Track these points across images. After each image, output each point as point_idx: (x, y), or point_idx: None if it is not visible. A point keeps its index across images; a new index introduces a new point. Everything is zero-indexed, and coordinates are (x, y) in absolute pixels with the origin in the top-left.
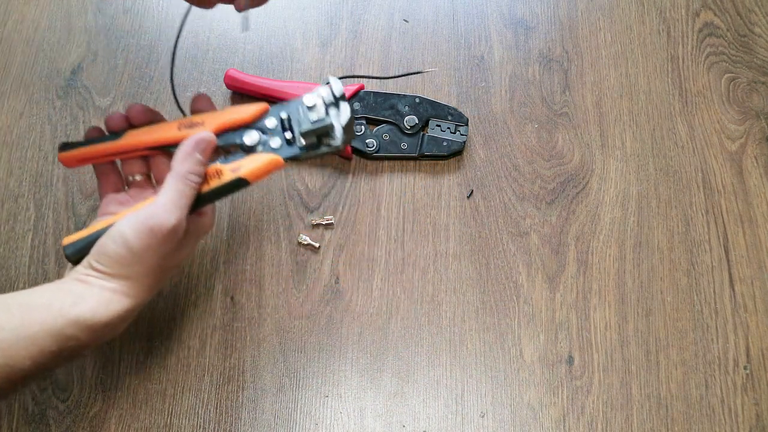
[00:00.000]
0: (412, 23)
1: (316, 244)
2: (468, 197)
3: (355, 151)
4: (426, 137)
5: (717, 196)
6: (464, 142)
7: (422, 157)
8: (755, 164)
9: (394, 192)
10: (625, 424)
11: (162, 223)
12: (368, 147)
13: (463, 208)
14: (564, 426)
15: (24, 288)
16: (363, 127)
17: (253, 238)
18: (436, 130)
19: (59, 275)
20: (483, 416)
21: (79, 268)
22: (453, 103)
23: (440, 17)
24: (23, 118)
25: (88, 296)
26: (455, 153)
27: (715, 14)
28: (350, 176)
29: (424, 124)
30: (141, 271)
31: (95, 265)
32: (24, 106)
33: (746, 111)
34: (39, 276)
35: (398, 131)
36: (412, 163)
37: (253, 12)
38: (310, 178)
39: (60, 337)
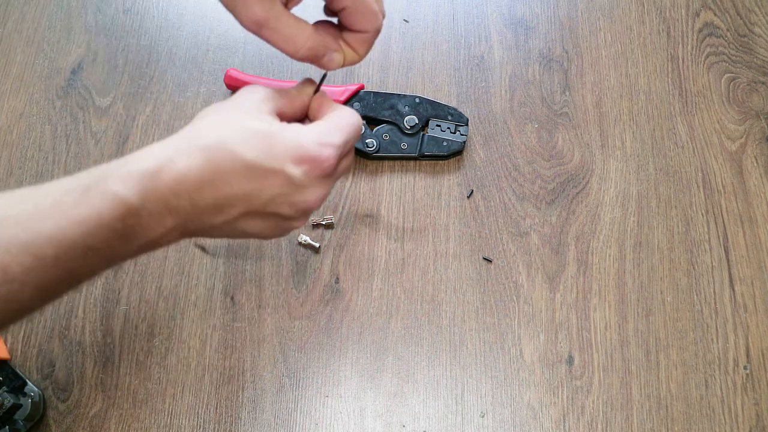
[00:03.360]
0: (412, 23)
1: (316, 244)
2: (468, 197)
3: (356, 151)
4: (426, 137)
5: (717, 196)
6: (464, 142)
7: (422, 157)
8: (755, 164)
9: (394, 192)
10: (625, 424)
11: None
12: (368, 147)
13: (463, 208)
14: (564, 426)
15: None
16: (363, 127)
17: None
18: (436, 130)
19: None
20: (483, 416)
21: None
22: (453, 103)
23: (440, 17)
24: (23, 118)
25: (117, 167)
26: (455, 153)
27: (715, 14)
28: (350, 176)
29: (424, 124)
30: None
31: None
32: (24, 106)
33: (746, 111)
34: None
35: (398, 131)
36: (412, 163)
37: None
38: None
39: (83, 215)
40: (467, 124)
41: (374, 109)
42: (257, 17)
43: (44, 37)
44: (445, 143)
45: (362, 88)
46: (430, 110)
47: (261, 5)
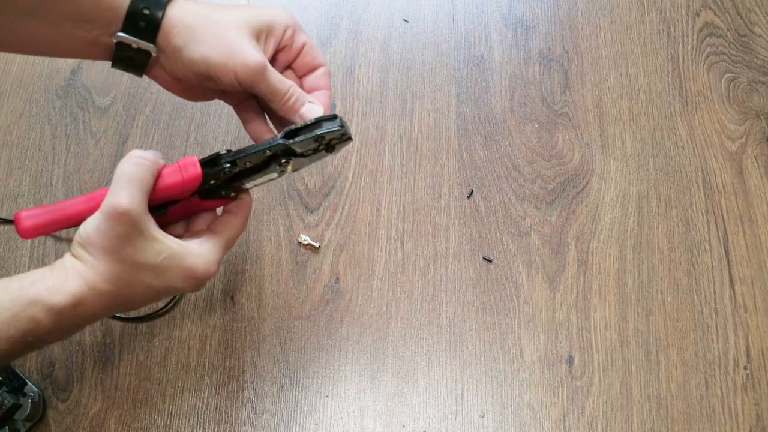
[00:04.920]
0: (412, 23)
1: (316, 244)
2: (468, 197)
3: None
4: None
5: (717, 196)
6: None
7: (289, 133)
8: (755, 164)
9: (394, 192)
10: (625, 424)
11: (112, 202)
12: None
13: (463, 208)
14: (564, 426)
15: None
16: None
17: (253, 238)
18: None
19: None
20: (483, 416)
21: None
22: (453, 103)
23: (440, 17)
24: (23, 118)
25: (48, 276)
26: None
27: (715, 14)
28: (350, 176)
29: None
30: (96, 253)
31: (72, 246)
32: (24, 106)
33: (746, 111)
34: None
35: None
36: (412, 162)
37: None
38: (310, 178)
39: (19, 320)
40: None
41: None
42: (258, 60)
43: None
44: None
45: (193, 164)
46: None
47: (258, 52)
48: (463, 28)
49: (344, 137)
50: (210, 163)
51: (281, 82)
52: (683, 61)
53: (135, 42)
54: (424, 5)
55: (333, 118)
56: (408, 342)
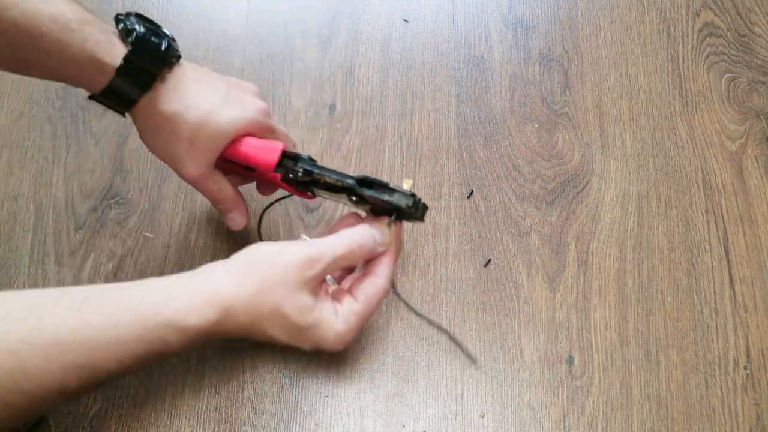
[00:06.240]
0: (412, 23)
1: None
2: (468, 197)
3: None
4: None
5: (717, 196)
6: (422, 205)
7: (363, 181)
8: (755, 164)
9: None
10: (625, 424)
11: (295, 256)
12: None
13: (463, 208)
14: (564, 426)
15: (23, 287)
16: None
17: (253, 238)
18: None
19: (59, 275)
20: (483, 416)
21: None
22: (453, 103)
23: (440, 17)
24: (23, 118)
25: (181, 297)
26: (394, 208)
27: (715, 14)
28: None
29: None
30: (254, 282)
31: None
32: (24, 106)
33: (746, 111)
34: (39, 276)
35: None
36: (412, 162)
37: (255, 11)
38: None
39: (149, 341)
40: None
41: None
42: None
43: None
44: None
45: (284, 149)
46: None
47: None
48: (463, 28)
49: (411, 217)
50: (292, 159)
51: (213, 193)
52: (683, 61)
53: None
54: (424, 5)
55: (410, 196)
56: (408, 342)
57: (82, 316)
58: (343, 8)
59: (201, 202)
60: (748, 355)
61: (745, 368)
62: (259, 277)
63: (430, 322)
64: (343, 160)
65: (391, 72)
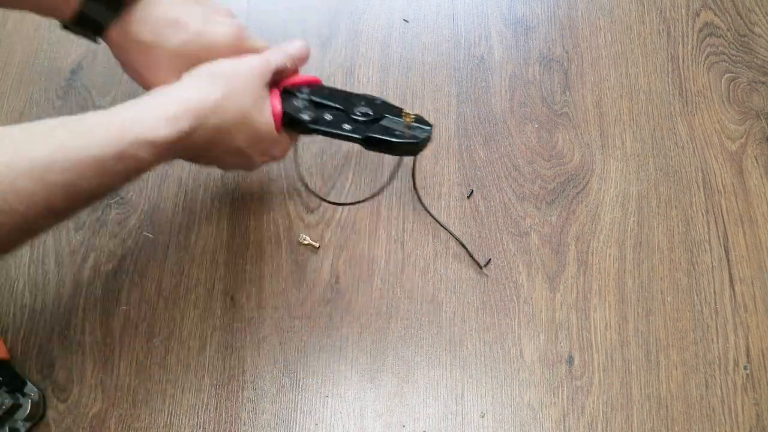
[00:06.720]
0: (412, 23)
1: (316, 244)
2: (468, 197)
3: (289, 121)
4: (377, 125)
5: (717, 196)
6: (423, 139)
7: (367, 141)
8: (755, 164)
9: (394, 192)
10: (625, 424)
11: (252, 61)
12: (302, 115)
13: (463, 208)
14: (564, 426)
15: (23, 288)
16: (302, 100)
17: (253, 238)
18: (390, 121)
19: (59, 275)
20: (483, 416)
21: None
22: (453, 103)
23: (440, 17)
24: (23, 118)
25: (151, 112)
26: (408, 146)
27: (715, 14)
28: (350, 176)
29: (379, 118)
30: (221, 86)
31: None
32: (24, 106)
33: (746, 111)
34: (39, 276)
35: (345, 115)
36: (411, 162)
37: (255, 11)
38: (310, 178)
39: (122, 158)
40: (431, 126)
41: (326, 97)
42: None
43: (44, 36)
44: (397, 132)
45: (317, 81)
46: (389, 109)
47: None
48: (463, 28)
49: (423, 141)
50: (290, 94)
51: (258, 40)
52: (683, 61)
53: None
54: (424, 5)
55: (413, 137)
56: (408, 342)
57: (58, 140)
58: (343, 8)
59: (201, 202)
60: (748, 355)
61: (745, 368)
62: (225, 85)
63: (441, 225)
64: (343, 159)
65: (391, 72)
